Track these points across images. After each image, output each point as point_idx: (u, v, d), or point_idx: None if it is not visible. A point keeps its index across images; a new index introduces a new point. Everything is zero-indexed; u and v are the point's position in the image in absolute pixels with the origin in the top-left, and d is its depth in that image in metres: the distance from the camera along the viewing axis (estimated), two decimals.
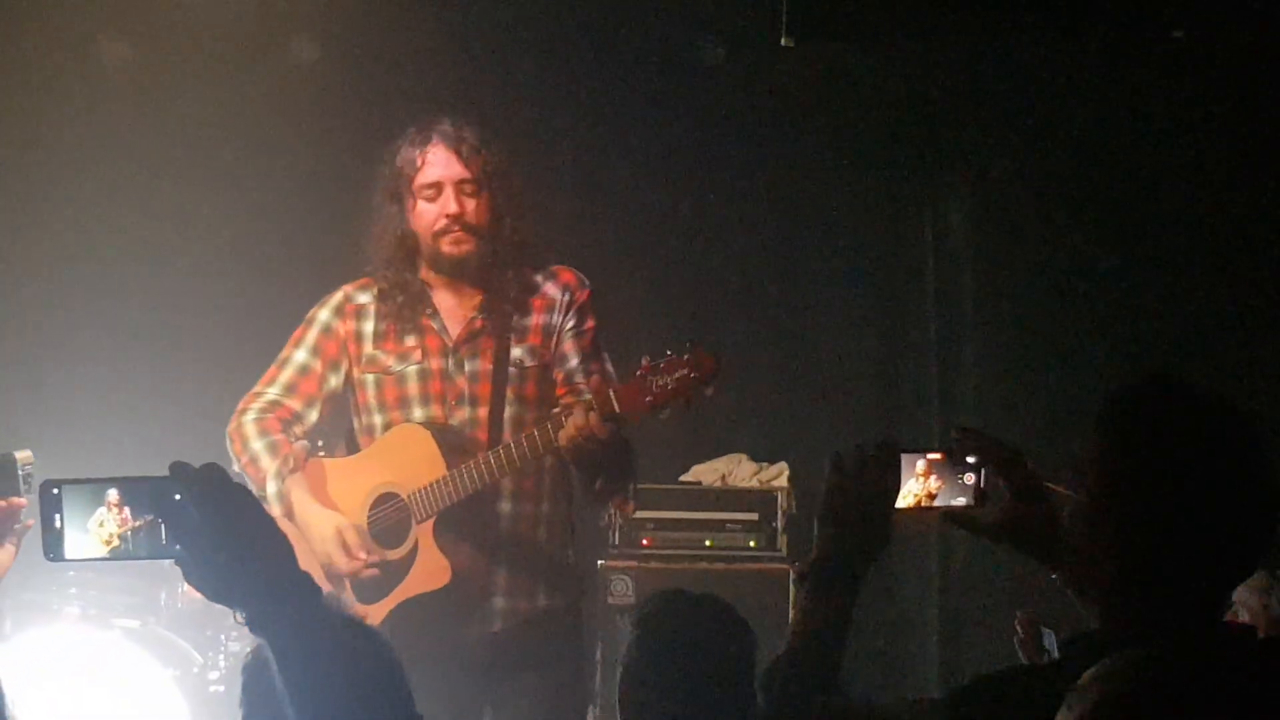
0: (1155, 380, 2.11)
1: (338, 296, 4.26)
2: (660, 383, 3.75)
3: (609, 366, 4.14)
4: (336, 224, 5.53)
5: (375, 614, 4.06)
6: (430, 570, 4.03)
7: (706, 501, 5.41)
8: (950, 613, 5.71)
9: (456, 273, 4.15)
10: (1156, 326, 5.54)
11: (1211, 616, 2.05)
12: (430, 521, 4.03)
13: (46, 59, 5.66)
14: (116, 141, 5.69)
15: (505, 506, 4.10)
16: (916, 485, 2.49)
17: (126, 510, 2.04)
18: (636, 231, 5.63)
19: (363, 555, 4.06)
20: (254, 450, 4.18)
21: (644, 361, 3.78)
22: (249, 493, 2.02)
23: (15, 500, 3.13)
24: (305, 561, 4.01)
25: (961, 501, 2.51)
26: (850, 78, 5.64)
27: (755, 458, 5.59)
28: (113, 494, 2.04)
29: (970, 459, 2.50)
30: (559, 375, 4.13)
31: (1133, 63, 5.39)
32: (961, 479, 2.51)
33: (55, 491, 2.05)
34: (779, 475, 5.52)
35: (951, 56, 5.54)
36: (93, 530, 2.05)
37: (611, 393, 3.80)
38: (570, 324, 4.14)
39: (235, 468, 4.20)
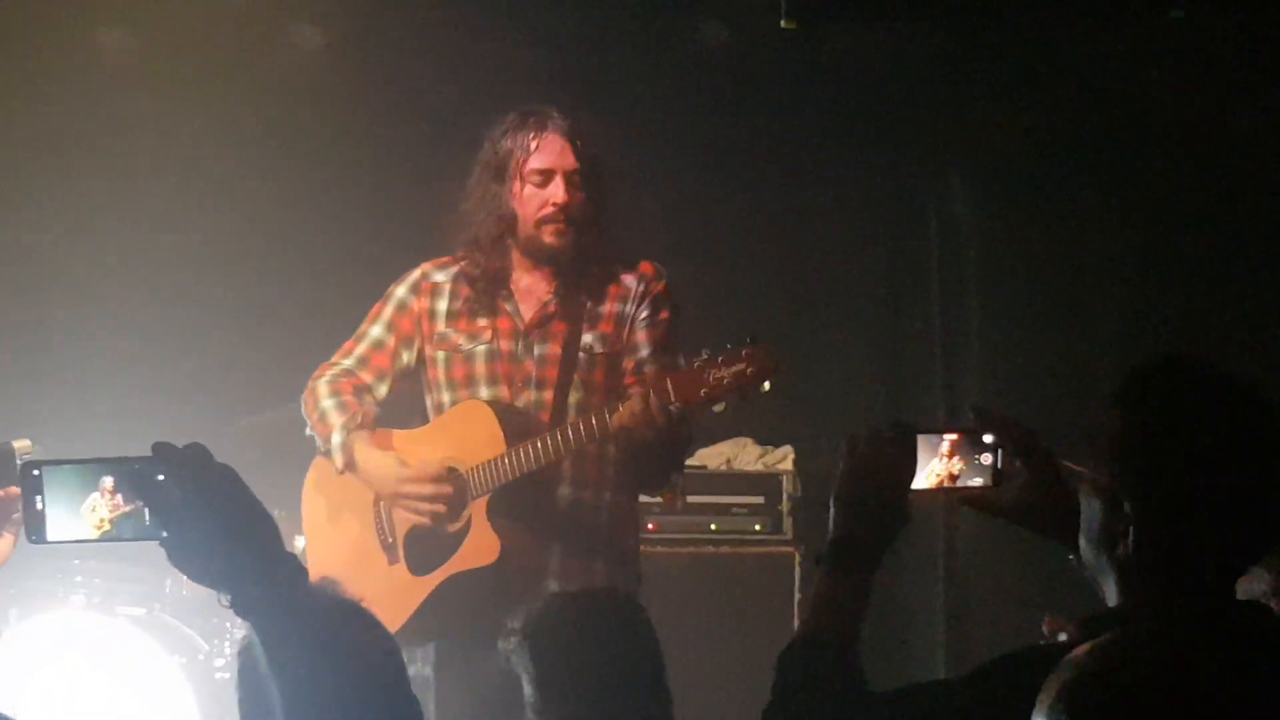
0: (1174, 360, 2.11)
1: (415, 274, 4.27)
2: (717, 376, 3.74)
3: (681, 360, 4.07)
4: (343, 214, 5.57)
5: (425, 586, 4.10)
6: (480, 546, 4.04)
7: (711, 485, 5.41)
8: (956, 598, 5.71)
9: (549, 261, 4.14)
10: (1161, 304, 5.53)
11: (1227, 594, 2.05)
12: (485, 498, 4.04)
13: (47, 48, 5.64)
14: (120, 130, 5.68)
15: (565, 491, 4.10)
16: (940, 466, 2.48)
17: (119, 497, 2.03)
18: (640, 215, 5.60)
19: (431, 463, 4.07)
20: (323, 408, 4.21)
21: (703, 354, 3.78)
22: (233, 473, 2.00)
23: (13, 490, 3.12)
24: (363, 519, 4.07)
25: (978, 482, 2.50)
26: (854, 58, 5.62)
27: (760, 441, 5.59)
28: (108, 481, 2.03)
29: (987, 439, 2.49)
30: (629, 364, 4.13)
31: (1134, 42, 5.38)
32: (979, 459, 2.50)
33: (35, 473, 2.04)
34: (784, 458, 5.52)
35: (952, 37, 5.53)
36: (85, 515, 2.04)
37: (668, 382, 3.80)
38: (644, 314, 4.13)
39: (306, 430, 4.26)
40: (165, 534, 1.99)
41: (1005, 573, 5.37)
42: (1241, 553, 2.06)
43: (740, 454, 5.55)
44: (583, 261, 4.11)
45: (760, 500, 5.39)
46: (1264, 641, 1.86)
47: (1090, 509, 2.11)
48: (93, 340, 5.63)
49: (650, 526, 5.35)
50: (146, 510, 2.01)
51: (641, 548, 5.26)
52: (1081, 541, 2.14)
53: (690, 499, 5.39)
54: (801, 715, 2.30)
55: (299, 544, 4.68)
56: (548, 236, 4.10)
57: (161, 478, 1.97)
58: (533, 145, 4.09)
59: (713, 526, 5.37)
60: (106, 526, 2.04)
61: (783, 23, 5.05)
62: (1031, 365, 5.61)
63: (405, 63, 5.61)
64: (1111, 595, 2.12)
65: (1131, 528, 2.04)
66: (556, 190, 4.07)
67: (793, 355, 5.81)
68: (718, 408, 3.80)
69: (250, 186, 5.67)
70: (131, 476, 2.00)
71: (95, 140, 5.67)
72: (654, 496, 5.13)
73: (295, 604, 1.99)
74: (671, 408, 3.78)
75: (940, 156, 5.78)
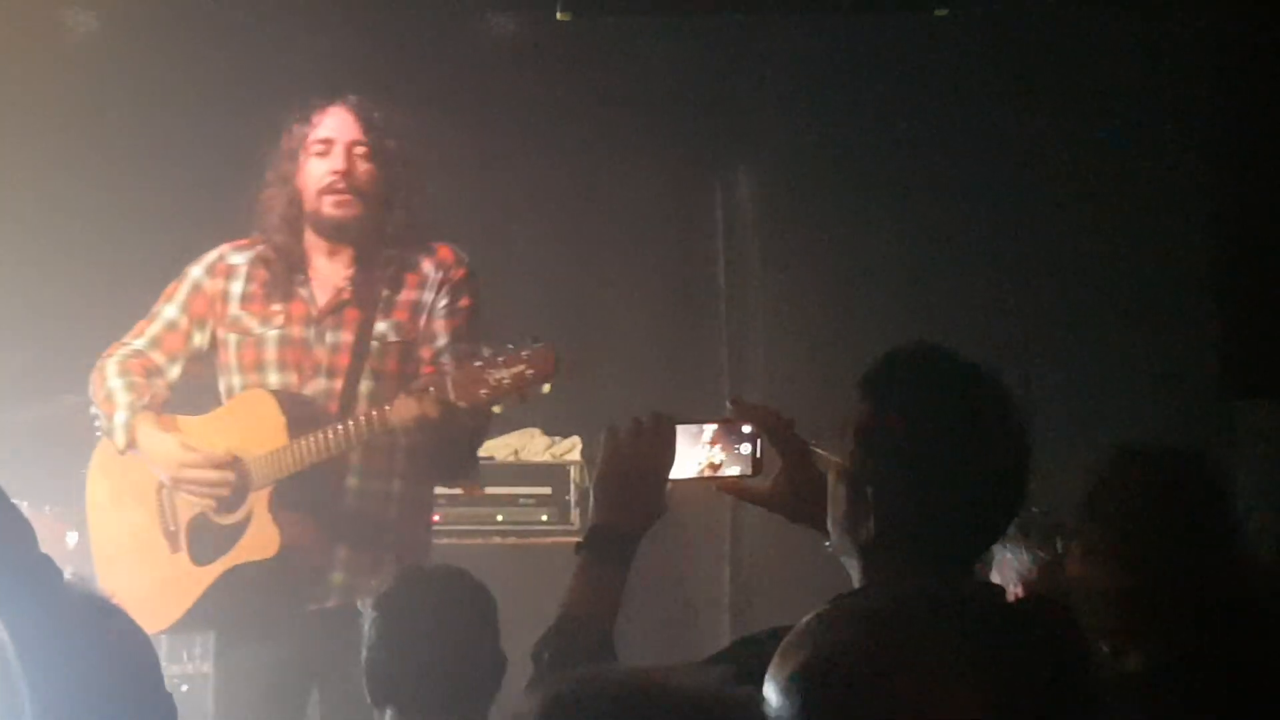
0: (911, 348, 2.18)
1: (212, 255, 4.21)
2: (498, 376, 3.76)
3: (480, 348, 4.09)
4: (112, 201, 5.46)
5: (206, 576, 4.05)
6: (260, 539, 4.01)
7: (498, 476, 5.41)
8: (741, 585, 5.79)
9: (336, 236, 4.10)
10: (936, 297, 5.67)
11: (963, 574, 2.12)
12: (267, 490, 4.00)
13: None
14: None
15: (352, 481, 4.07)
16: (699, 455, 2.53)
17: None
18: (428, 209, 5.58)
19: (213, 450, 4.02)
20: (111, 387, 4.14)
21: (484, 353, 3.80)
22: None
23: None
24: (146, 506, 4.00)
25: (738, 470, 2.55)
26: (636, 52, 5.66)
27: (548, 432, 5.61)
28: None
29: (746, 429, 2.54)
30: (425, 353, 4.10)
31: (900, 39, 5.51)
32: (738, 449, 2.55)
33: None
34: (572, 449, 5.55)
35: (731, 31, 5.60)
36: None
37: (449, 381, 3.80)
38: (443, 302, 4.12)
39: (92, 409, 4.18)
40: None
41: (790, 558, 5.46)
42: (976, 535, 2.14)
43: (528, 445, 5.57)
44: (375, 242, 4.08)
45: (548, 491, 5.41)
46: (991, 621, 1.94)
47: (837, 494, 2.17)
48: None
49: (436, 518, 5.33)
50: None
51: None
52: (829, 526, 2.21)
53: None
54: None
55: (70, 540, 4.59)
56: (329, 207, 4.07)
57: None
58: (316, 120, 4.10)
59: (499, 518, 5.38)
60: None
61: (558, 14, 5.07)
62: (814, 357, 5.71)
63: (182, 46, 5.50)
64: (858, 578, 2.18)
65: (873, 511, 2.11)
66: (336, 158, 4.06)
67: (580, 346, 5.87)
68: (496, 408, 3.83)
69: (21, 171, 5.52)
70: None
71: None
72: (453, 489, 5.13)
73: (45, 603, 1.98)
74: (450, 406, 3.79)
75: (726, 151, 5.85)
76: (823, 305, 5.81)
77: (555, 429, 5.61)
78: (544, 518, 5.39)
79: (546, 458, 5.53)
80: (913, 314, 5.65)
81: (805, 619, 1.81)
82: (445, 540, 5.29)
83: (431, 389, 3.82)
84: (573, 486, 5.43)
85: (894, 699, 1.78)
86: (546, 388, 3.79)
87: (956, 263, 5.72)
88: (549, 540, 5.34)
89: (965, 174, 5.65)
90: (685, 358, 5.90)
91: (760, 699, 1.73)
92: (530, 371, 3.76)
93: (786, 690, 1.86)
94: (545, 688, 1.53)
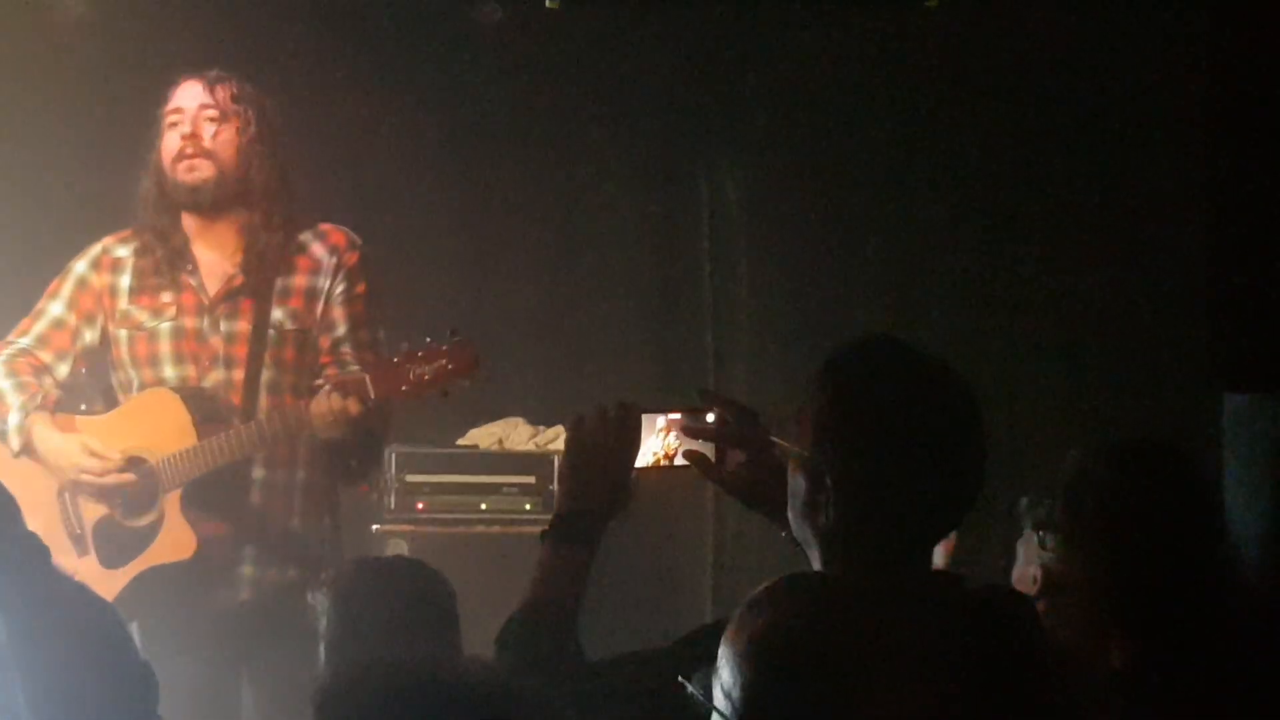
0: (871, 339, 2.20)
1: (96, 249, 4.17)
2: (418, 372, 3.74)
3: (380, 334, 4.07)
4: (92, 180, 5.42)
5: (117, 580, 4.02)
6: (175, 542, 3.99)
7: (482, 465, 5.39)
8: (723, 573, 5.79)
9: (194, 204, 4.05)
10: (921, 291, 5.67)
11: (920, 562, 2.13)
12: (178, 491, 3.98)
13: None
14: None
15: (258, 473, 4.06)
16: (657, 444, 2.53)
17: None
18: (409, 192, 5.58)
19: (114, 454, 3.98)
20: (0, 388, 4.09)
21: (404, 348, 3.77)
22: None
23: None
24: (48, 510, 3.99)
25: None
26: (625, 41, 5.65)
27: (532, 421, 5.60)
28: None
29: (710, 418, 2.55)
30: (324, 342, 4.07)
31: (891, 32, 5.50)
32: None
33: None
34: (555, 439, 5.53)
35: (717, 20, 5.59)
36: None
37: (367, 378, 3.78)
38: (339, 289, 4.07)
39: None
40: None
41: (773, 546, 5.45)
42: (934, 524, 2.15)
43: (512, 434, 5.56)
44: (260, 227, 4.03)
45: (531, 480, 5.39)
46: (943, 608, 1.95)
47: (796, 483, 2.18)
48: None
49: (419, 506, 5.33)
50: None
51: (410, 527, 5.30)
52: (789, 514, 2.22)
53: (461, 478, 5.38)
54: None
55: None
56: (182, 174, 4.04)
57: None
58: (169, 95, 4.10)
59: (483, 506, 5.36)
60: None
61: (548, 3, 5.07)
62: (801, 351, 5.70)
63: (167, 35, 5.47)
64: (818, 566, 2.19)
65: (832, 499, 2.11)
66: (185, 124, 4.05)
67: (566, 337, 5.87)
68: (418, 404, 3.83)
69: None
70: None
71: None
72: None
73: (34, 583, 2.01)
74: (369, 404, 3.78)
75: (714, 143, 5.83)
76: (809, 299, 5.80)
77: (539, 418, 5.60)
78: (527, 506, 5.37)
79: (530, 447, 5.52)
80: (900, 308, 5.64)
81: (763, 587, 1.84)
82: (428, 528, 5.29)
83: (350, 386, 3.79)
84: (556, 475, 5.41)
85: (841, 678, 1.79)
86: (467, 384, 3.77)
87: (944, 257, 5.71)
88: (532, 529, 5.28)
89: (954, 167, 5.63)
90: (670, 349, 5.90)
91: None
92: (452, 366, 3.73)
93: (745, 654, 1.87)
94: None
